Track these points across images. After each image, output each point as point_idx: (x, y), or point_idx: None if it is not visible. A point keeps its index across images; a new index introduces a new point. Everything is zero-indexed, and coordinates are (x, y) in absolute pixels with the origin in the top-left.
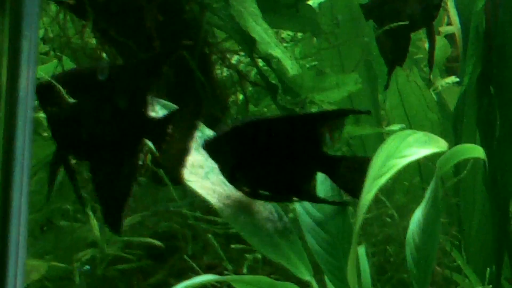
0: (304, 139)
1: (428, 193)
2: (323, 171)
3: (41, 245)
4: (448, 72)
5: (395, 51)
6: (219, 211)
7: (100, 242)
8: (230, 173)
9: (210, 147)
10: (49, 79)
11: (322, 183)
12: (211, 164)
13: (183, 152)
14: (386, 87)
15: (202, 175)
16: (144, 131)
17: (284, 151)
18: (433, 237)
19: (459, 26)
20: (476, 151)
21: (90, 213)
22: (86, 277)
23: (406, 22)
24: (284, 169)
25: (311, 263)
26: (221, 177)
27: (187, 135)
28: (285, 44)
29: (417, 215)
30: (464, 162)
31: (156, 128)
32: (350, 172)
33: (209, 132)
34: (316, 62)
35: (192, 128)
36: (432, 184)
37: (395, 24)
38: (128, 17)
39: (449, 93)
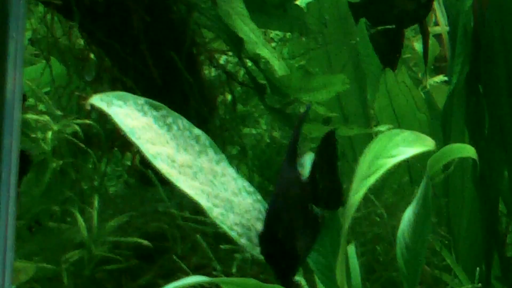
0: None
1: (418, 193)
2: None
3: (29, 247)
4: (436, 71)
5: (388, 47)
6: (208, 211)
7: (87, 243)
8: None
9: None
10: None
11: None
12: (200, 164)
13: None
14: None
15: (191, 174)
16: None
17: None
18: (423, 236)
19: (446, 25)
20: (467, 150)
21: (78, 214)
22: (75, 278)
23: (393, 26)
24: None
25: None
26: (210, 177)
27: None
28: (273, 44)
29: (408, 215)
30: (453, 162)
31: None
32: (324, 179)
33: (198, 131)
34: (304, 62)
35: None
36: (422, 184)
37: (386, 27)
38: (115, 18)
39: (438, 92)
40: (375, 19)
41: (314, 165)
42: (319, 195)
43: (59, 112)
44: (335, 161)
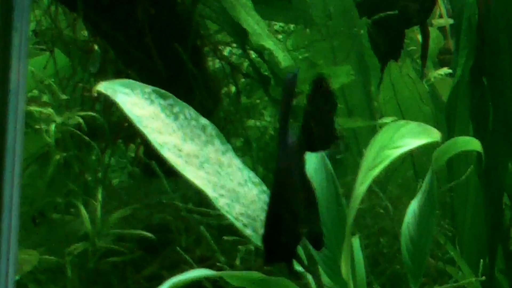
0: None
1: (423, 185)
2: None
3: (34, 238)
4: (441, 64)
5: (388, 48)
6: (214, 201)
7: (91, 235)
8: None
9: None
10: None
11: (316, 171)
12: (206, 154)
13: None
14: (380, 83)
15: (197, 164)
16: None
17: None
18: (428, 229)
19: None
20: (472, 143)
21: (81, 206)
22: (79, 270)
23: (396, 12)
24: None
25: (305, 254)
26: (216, 167)
27: None
28: (277, 36)
29: (413, 207)
30: (457, 155)
31: None
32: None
33: (205, 121)
34: (308, 54)
35: None
36: (427, 177)
37: (384, 14)
38: (119, 10)
39: (442, 85)
40: (377, 19)
41: (306, 114)
42: (315, 141)
43: (64, 97)
44: (329, 105)
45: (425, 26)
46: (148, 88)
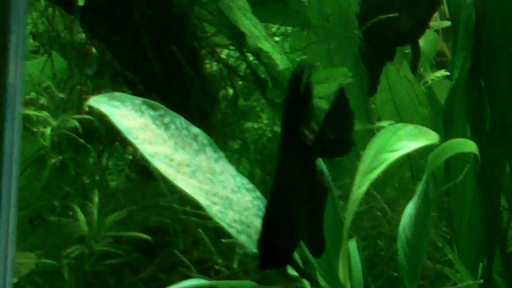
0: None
1: (419, 188)
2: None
3: (31, 241)
4: (438, 66)
5: (380, 60)
6: (207, 208)
7: (88, 237)
8: None
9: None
10: None
11: None
12: (198, 163)
13: None
14: (373, 92)
15: (189, 173)
16: None
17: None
18: (424, 231)
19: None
20: (468, 145)
21: (78, 209)
22: (76, 272)
23: (395, 14)
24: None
25: (301, 258)
26: (208, 175)
27: None
28: (276, 38)
29: (408, 210)
30: (454, 157)
31: None
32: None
33: (196, 130)
34: (305, 57)
35: None
36: (423, 179)
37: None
38: (116, 12)
39: (440, 87)
40: (371, 34)
41: (325, 120)
42: (328, 146)
43: (62, 97)
44: (349, 115)
45: (416, 43)
46: (138, 100)
